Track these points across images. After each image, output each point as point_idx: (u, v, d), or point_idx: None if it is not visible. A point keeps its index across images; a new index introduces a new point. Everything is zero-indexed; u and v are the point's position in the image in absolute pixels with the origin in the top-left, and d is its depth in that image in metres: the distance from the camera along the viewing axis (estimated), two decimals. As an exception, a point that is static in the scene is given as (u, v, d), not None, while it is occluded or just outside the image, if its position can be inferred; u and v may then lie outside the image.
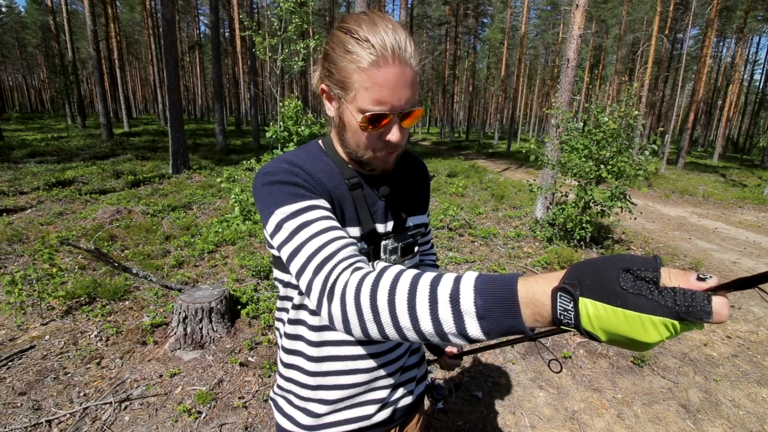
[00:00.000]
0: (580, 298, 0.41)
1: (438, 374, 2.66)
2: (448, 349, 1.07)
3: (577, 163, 4.93)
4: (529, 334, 0.46)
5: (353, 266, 0.62)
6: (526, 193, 8.93)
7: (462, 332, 0.48)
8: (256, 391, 2.40)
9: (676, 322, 0.36)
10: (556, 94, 6.03)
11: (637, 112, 4.91)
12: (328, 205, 0.72)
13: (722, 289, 0.36)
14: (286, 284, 0.82)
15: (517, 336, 0.49)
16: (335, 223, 0.69)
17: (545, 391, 2.56)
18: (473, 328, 0.47)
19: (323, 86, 0.75)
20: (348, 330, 0.57)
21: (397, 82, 0.67)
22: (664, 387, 2.66)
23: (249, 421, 2.17)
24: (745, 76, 33.43)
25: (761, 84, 29.67)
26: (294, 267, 0.65)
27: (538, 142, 5.65)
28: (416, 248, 0.90)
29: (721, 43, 34.38)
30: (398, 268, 0.58)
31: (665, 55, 23.76)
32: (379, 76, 0.66)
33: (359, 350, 0.82)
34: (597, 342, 0.37)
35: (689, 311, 0.35)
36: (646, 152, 4.79)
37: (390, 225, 0.84)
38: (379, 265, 0.63)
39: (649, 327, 0.37)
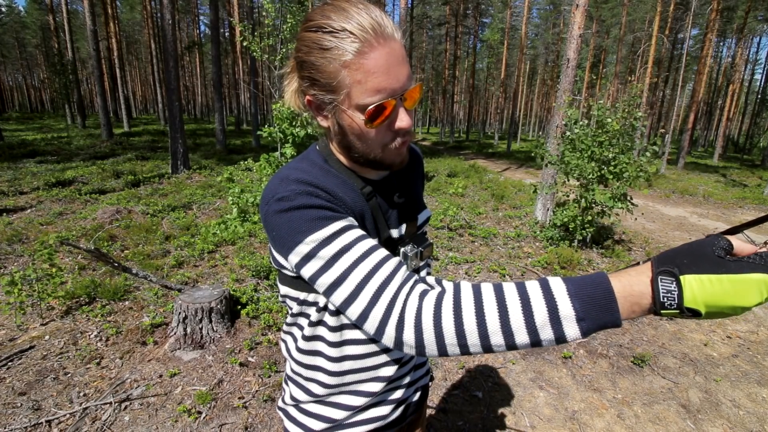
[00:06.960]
0: (682, 276, 0.45)
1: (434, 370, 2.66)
2: None
3: (580, 164, 4.93)
4: (620, 325, 0.50)
5: (417, 289, 0.60)
6: (526, 193, 8.93)
7: (560, 337, 0.51)
8: (256, 391, 2.40)
9: None
10: (556, 94, 6.03)
11: (641, 114, 4.90)
12: (357, 223, 0.67)
13: None
14: (302, 302, 0.76)
15: None
16: (374, 242, 0.64)
17: (545, 391, 2.56)
18: (572, 331, 0.50)
19: (309, 97, 0.68)
20: (422, 353, 0.57)
21: (390, 61, 0.60)
22: (665, 387, 2.66)
23: (249, 421, 2.17)
24: (746, 76, 33.47)
25: (761, 84, 29.66)
26: (339, 296, 0.61)
27: (540, 144, 5.66)
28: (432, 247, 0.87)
29: (721, 43, 34.36)
30: (469, 286, 0.58)
31: (665, 55, 23.76)
32: (369, 63, 0.59)
33: (381, 359, 0.79)
34: (697, 318, 0.46)
35: None
36: (647, 154, 4.78)
37: (403, 228, 0.80)
38: (446, 284, 0.63)
39: (752, 288, 0.42)
